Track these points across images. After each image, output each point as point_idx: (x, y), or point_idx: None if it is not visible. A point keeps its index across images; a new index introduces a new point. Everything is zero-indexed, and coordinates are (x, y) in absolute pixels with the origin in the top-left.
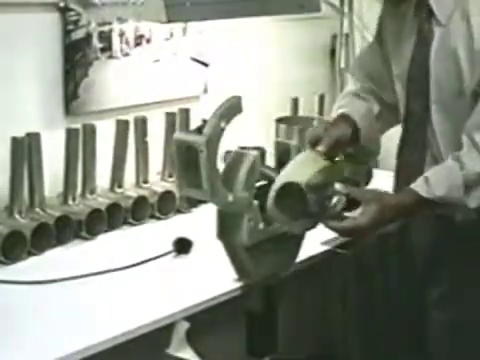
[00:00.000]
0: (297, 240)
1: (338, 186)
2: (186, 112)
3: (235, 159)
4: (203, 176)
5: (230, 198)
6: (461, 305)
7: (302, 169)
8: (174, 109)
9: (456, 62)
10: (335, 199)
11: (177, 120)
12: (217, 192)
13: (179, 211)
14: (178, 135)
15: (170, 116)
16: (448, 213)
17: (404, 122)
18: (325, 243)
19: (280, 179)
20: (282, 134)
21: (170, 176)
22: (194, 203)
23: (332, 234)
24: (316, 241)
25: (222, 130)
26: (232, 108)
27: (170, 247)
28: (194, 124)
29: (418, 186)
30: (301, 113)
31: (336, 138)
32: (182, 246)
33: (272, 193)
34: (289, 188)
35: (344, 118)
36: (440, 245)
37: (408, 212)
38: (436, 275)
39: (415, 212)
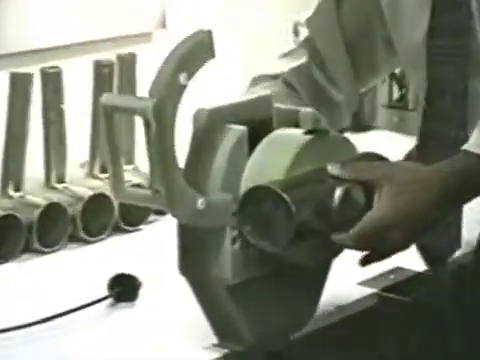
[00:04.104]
0: (316, 277)
1: (330, 168)
2: (130, 60)
3: (208, 136)
4: (152, 167)
5: (200, 203)
6: None
7: (273, 160)
8: (110, 55)
9: None
10: (338, 192)
11: (115, 74)
12: (177, 194)
13: (118, 229)
14: (108, 98)
15: (103, 67)
16: None
17: (427, 93)
18: (364, 284)
19: (244, 186)
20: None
21: (103, 170)
22: (143, 215)
23: (375, 270)
24: (350, 280)
25: (182, 88)
26: (197, 51)
27: (104, 291)
28: (143, 79)
29: (470, 145)
30: None
31: None
32: (123, 288)
33: (236, 212)
34: (260, 198)
35: None
36: None
37: (455, 187)
38: None
39: (466, 186)
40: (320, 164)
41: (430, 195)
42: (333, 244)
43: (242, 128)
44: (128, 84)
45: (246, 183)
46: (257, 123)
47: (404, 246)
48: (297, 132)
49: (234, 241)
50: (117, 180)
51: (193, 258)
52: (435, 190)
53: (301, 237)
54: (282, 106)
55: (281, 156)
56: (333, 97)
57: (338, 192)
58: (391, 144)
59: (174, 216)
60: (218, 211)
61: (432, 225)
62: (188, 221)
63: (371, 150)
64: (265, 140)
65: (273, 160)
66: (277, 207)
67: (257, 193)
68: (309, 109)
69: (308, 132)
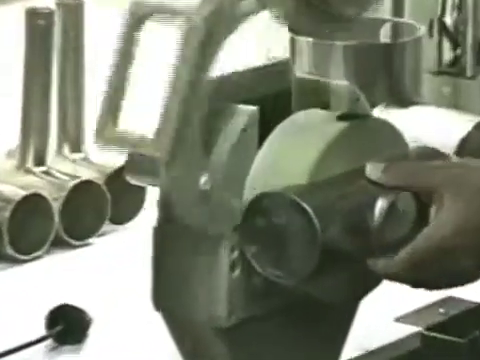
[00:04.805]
0: (341, 314)
1: (370, 169)
2: (76, 8)
3: (209, 121)
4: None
5: (204, 181)
6: None
7: (292, 156)
8: (48, 1)
9: None
10: (381, 203)
11: (55, 27)
12: (182, 152)
13: (61, 242)
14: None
15: (38, 18)
16: None
17: None
18: (405, 320)
19: (250, 190)
20: (310, 57)
21: (38, 162)
22: (94, 224)
23: (419, 300)
24: (386, 315)
25: None
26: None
27: (41, 329)
28: (93, 35)
29: None
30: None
31: None
32: (68, 326)
33: (238, 226)
34: (272, 208)
35: None
36: None
37: None
38: None
39: None
40: (357, 163)
41: None
42: (369, 274)
43: (252, 108)
44: (72, 40)
45: (253, 187)
46: (271, 101)
47: (475, 276)
48: (327, 116)
49: (233, 267)
50: (109, 117)
51: (173, 288)
52: None
53: (328, 264)
54: (307, 76)
55: (303, 150)
56: None
57: (380, 203)
58: (440, 124)
59: (163, 188)
60: (220, 205)
61: None
62: (183, 204)
63: (411, 133)
64: (281, 126)
65: (292, 155)
66: (295, 222)
67: (268, 201)
68: (344, 82)
69: (342, 116)
